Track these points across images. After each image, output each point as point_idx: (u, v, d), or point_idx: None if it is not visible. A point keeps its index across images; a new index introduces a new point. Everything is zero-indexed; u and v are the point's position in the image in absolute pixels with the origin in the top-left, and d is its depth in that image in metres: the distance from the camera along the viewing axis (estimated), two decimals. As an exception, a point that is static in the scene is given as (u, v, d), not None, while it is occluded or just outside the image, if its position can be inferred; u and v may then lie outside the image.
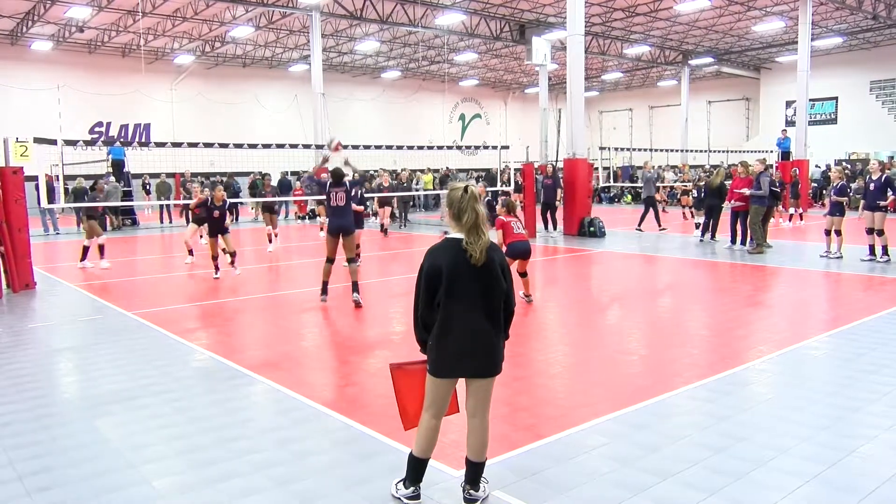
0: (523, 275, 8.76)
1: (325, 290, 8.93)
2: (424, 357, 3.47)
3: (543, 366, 6.05)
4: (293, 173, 26.24)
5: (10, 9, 23.79)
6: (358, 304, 8.64)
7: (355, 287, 8.79)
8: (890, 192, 11.51)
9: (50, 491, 3.74)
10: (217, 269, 11.19)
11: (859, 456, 4.03)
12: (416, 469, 3.49)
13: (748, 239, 13.32)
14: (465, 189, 3.38)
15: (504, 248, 8.34)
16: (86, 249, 12.44)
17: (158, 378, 5.79)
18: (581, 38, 16.69)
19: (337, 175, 9.00)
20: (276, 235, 15.40)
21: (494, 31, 27.72)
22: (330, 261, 8.82)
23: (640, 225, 17.58)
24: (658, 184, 20.70)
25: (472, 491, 3.48)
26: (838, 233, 12.06)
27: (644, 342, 6.91)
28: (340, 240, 8.74)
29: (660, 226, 17.39)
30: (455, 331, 3.33)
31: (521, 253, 8.53)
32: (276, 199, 16.51)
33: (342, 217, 8.73)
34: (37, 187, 12.97)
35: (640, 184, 31.52)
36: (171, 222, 22.43)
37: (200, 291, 10.25)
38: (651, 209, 17.60)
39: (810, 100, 24.82)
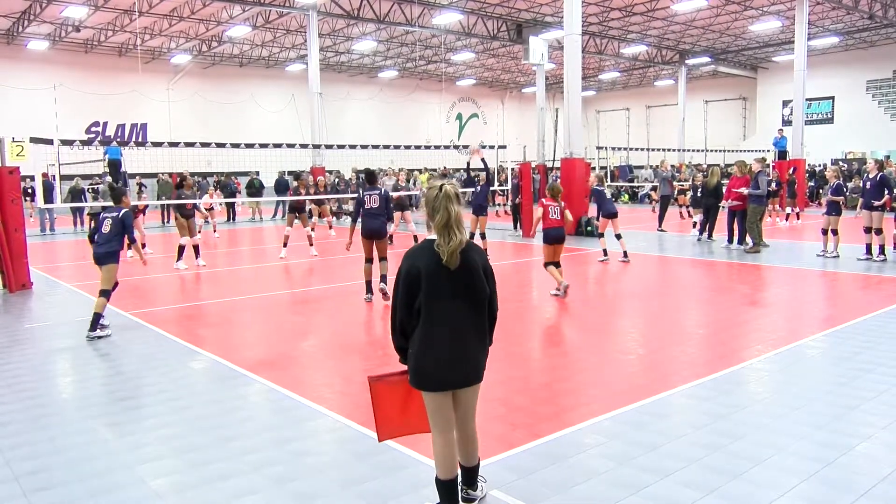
0: (555, 265, 9.05)
1: (369, 290, 9.08)
2: (404, 367, 3.33)
3: (540, 365, 6.05)
4: (290, 173, 26.24)
5: (6, 8, 23.75)
6: (384, 293, 8.87)
7: (383, 278, 8.98)
8: (886, 192, 11.56)
9: (47, 491, 3.73)
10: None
11: (856, 454, 4.03)
12: (448, 491, 3.29)
13: (745, 238, 13.34)
14: (441, 187, 3.22)
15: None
16: (181, 249, 12.15)
17: (155, 378, 5.78)
18: (578, 37, 16.68)
19: (370, 177, 9.32)
20: (286, 244, 13.59)
21: (491, 30, 27.73)
22: (368, 261, 9.00)
23: (660, 225, 17.53)
24: (676, 183, 20.70)
25: (469, 491, 3.43)
26: (835, 232, 12.09)
27: (641, 341, 6.91)
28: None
29: (659, 225, 17.40)
30: (437, 339, 3.18)
31: (554, 239, 9.01)
32: (307, 197, 15.05)
33: (374, 220, 8.90)
34: (33, 188, 12.91)
35: (638, 183, 31.65)
36: (169, 221, 22.39)
37: (197, 291, 10.24)
38: (665, 208, 17.64)
39: (807, 99, 24.85)
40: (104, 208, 8.40)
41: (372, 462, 4.01)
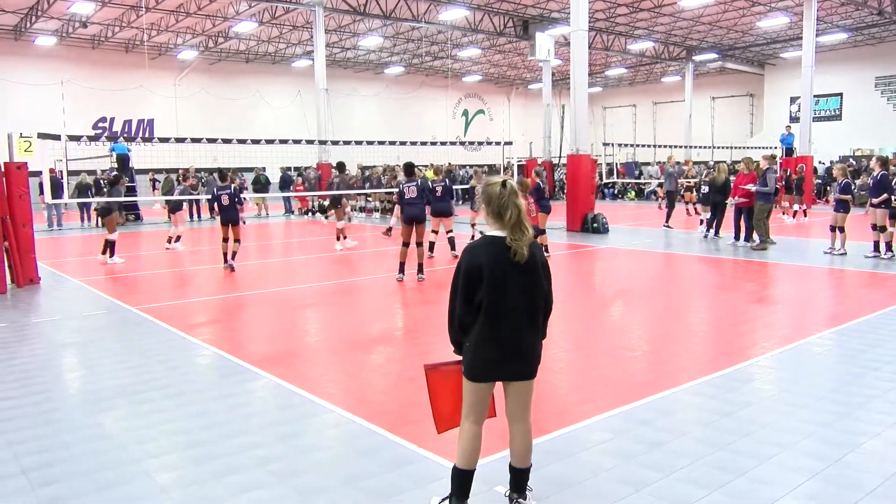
0: None
1: (402, 270, 10.08)
2: (458, 358, 3.32)
3: (547, 362, 6.00)
4: (295, 169, 26.30)
5: (14, 4, 23.83)
6: (420, 281, 9.97)
7: (420, 268, 10.05)
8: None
9: (54, 485, 3.75)
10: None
11: (863, 452, 4.02)
12: (461, 483, 3.24)
13: (752, 235, 13.31)
14: (504, 184, 3.19)
15: None
16: (110, 244, 12.41)
17: (161, 373, 5.80)
18: (585, 33, 16.63)
19: (408, 170, 10.47)
20: (339, 237, 14.07)
21: (498, 26, 27.66)
22: (406, 245, 10.04)
23: (667, 222, 17.44)
24: (681, 180, 20.56)
25: (520, 500, 3.34)
26: (841, 229, 12.05)
27: (647, 338, 6.90)
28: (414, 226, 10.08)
29: (666, 222, 17.33)
30: (497, 333, 3.17)
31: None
32: (342, 192, 14.94)
33: (413, 207, 10.03)
34: (40, 183, 12.98)
35: (644, 180, 31.57)
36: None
37: (204, 287, 10.27)
38: (672, 204, 17.58)
39: (815, 96, 24.72)
40: (220, 186, 11.59)
41: (377, 458, 4.02)
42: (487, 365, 3.20)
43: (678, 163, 20.36)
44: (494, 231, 3.21)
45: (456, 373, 3.33)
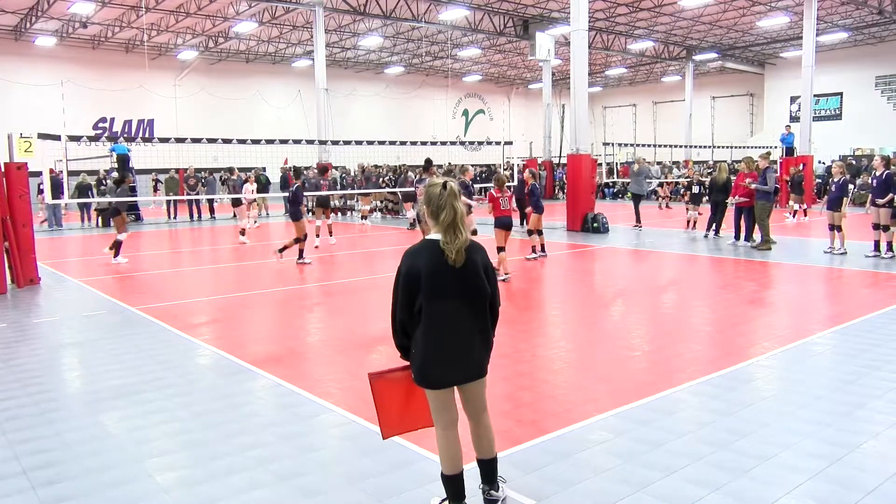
0: (501, 249, 9.92)
1: None
2: (406, 363, 3.31)
3: (546, 361, 6.04)
4: (294, 169, 26.29)
5: (14, 4, 23.84)
6: None
7: None
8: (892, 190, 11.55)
9: (55, 485, 3.75)
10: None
11: (863, 452, 4.02)
12: (453, 486, 3.27)
13: (752, 234, 13.31)
14: (444, 185, 3.16)
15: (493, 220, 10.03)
16: (118, 244, 12.44)
17: (162, 373, 5.80)
18: (585, 33, 16.62)
19: (427, 165, 10.81)
20: (329, 234, 15.03)
21: (498, 26, 27.67)
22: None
23: (638, 222, 17.50)
24: (683, 179, 20.62)
25: (491, 491, 3.35)
26: (839, 228, 12.05)
27: (647, 338, 6.90)
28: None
29: (637, 222, 17.35)
30: (440, 337, 3.15)
31: (504, 226, 9.94)
32: (331, 192, 15.59)
33: None
34: (40, 184, 12.97)
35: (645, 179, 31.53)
36: (175, 217, 22.46)
37: (205, 287, 10.27)
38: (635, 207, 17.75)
39: (815, 95, 24.72)
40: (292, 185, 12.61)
41: (378, 457, 4.02)
42: (437, 373, 3.19)
43: (676, 162, 20.33)
44: (433, 234, 3.18)
45: (403, 379, 3.33)
